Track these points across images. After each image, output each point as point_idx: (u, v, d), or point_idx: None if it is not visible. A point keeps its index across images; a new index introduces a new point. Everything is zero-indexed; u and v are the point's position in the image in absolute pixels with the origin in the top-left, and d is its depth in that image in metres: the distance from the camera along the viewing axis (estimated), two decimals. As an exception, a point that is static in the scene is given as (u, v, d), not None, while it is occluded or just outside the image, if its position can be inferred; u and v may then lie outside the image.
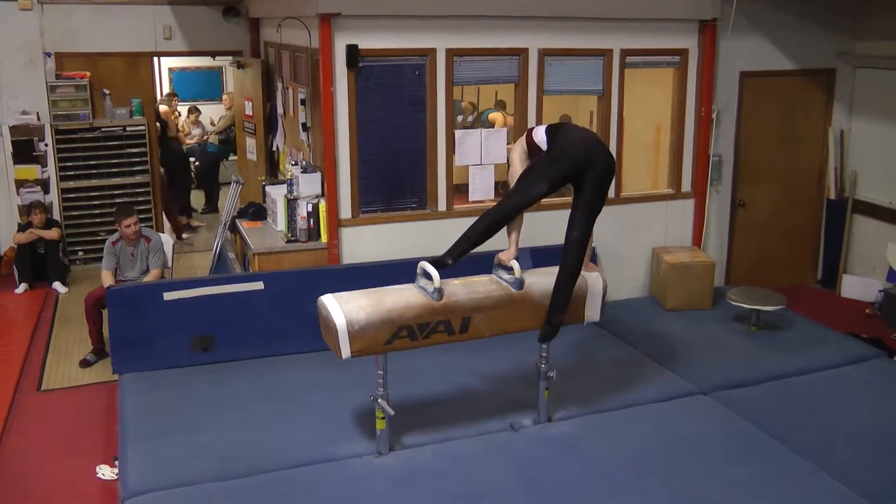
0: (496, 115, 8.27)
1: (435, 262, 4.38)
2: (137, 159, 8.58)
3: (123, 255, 6.35)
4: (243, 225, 6.94)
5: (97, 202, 8.47)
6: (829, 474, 4.43)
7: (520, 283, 4.52)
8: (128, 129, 8.50)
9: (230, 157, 11.47)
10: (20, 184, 8.16)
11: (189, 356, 5.76)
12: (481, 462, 4.56)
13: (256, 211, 7.06)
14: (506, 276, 4.58)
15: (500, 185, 6.85)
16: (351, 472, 4.45)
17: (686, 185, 7.25)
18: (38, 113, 8.15)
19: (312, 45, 6.28)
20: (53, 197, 8.36)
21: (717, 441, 4.82)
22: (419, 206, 6.48)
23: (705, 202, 7.29)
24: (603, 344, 6.23)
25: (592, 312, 4.80)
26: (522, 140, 4.84)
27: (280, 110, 7.86)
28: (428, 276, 4.36)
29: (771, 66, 7.34)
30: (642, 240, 7.17)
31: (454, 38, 6.23)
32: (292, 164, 6.89)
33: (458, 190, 6.66)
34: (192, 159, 11.18)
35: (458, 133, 6.50)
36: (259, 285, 5.89)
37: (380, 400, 4.46)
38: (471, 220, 4.63)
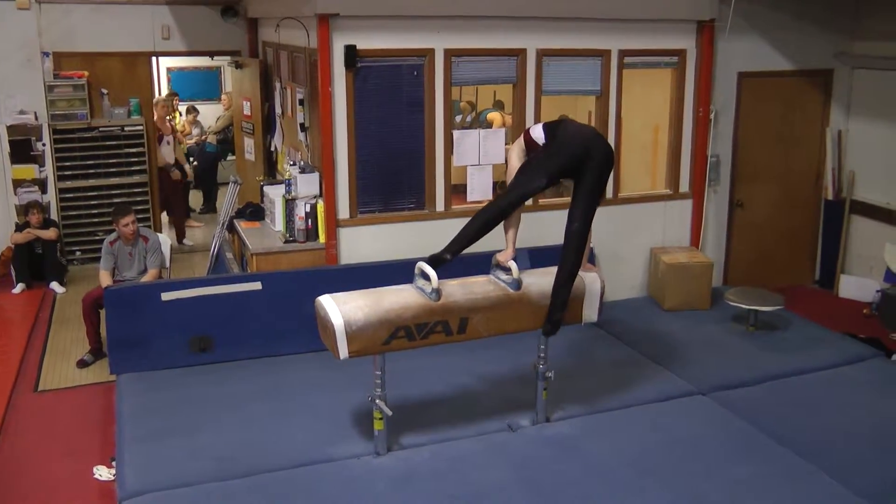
0: (494, 115, 8.27)
1: (433, 258, 4.38)
2: (135, 159, 8.57)
3: (121, 254, 6.33)
4: (241, 225, 6.93)
5: (95, 202, 8.45)
6: (828, 474, 4.44)
7: (518, 284, 4.52)
8: (126, 128, 8.49)
9: (228, 157, 11.47)
10: (17, 183, 8.14)
11: (187, 356, 5.76)
12: (479, 462, 4.55)
13: (254, 211, 7.06)
14: (504, 276, 4.58)
15: (499, 185, 6.84)
16: (349, 473, 4.45)
17: (684, 186, 7.26)
18: (35, 112, 8.13)
19: (311, 46, 6.28)
20: (51, 197, 8.35)
21: (716, 441, 4.82)
22: (417, 207, 6.48)
23: (703, 202, 7.29)
24: (601, 344, 6.23)
25: (590, 313, 4.79)
26: (520, 140, 4.84)
27: (278, 110, 7.85)
28: (426, 277, 4.36)
29: (769, 67, 7.35)
30: (640, 240, 7.18)
31: (452, 39, 6.23)
32: (290, 165, 6.88)
33: (457, 190, 6.66)
34: (190, 159, 11.16)
35: (456, 133, 6.50)
36: (257, 285, 5.89)
37: (378, 400, 4.46)
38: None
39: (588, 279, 4.74)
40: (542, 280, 4.61)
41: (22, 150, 8.13)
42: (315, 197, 6.42)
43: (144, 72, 8.86)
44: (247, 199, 7.57)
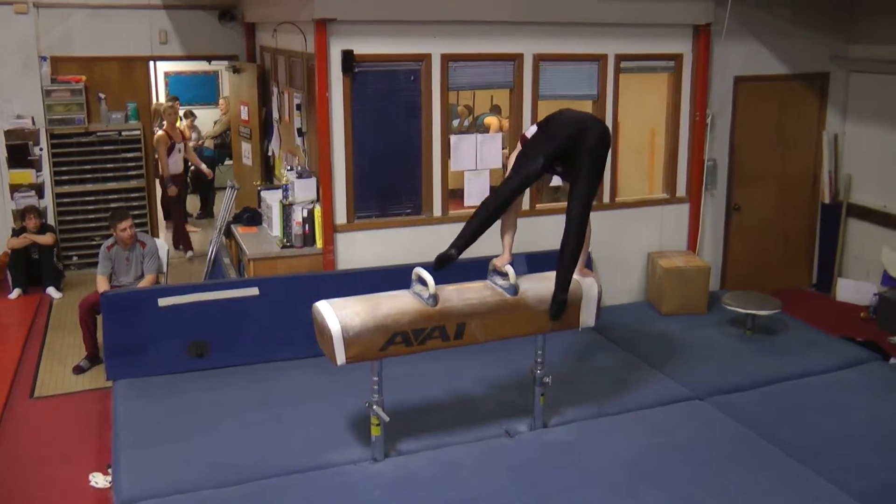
0: (491, 120, 8.28)
1: (441, 256, 4.37)
2: (133, 164, 8.56)
3: (119, 259, 6.33)
4: (238, 230, 6.92)
5: (92, 207, 8.44)
6: (826, 478, 4.44)
7: (514, 289, 4.52)
8: (123, 133, 8.48)
9: (226, 162, 11.45)
10: (14, 188, 8.13)
11: (184, 362, 5.74)
12: (477, 468, 4.55)
13: (252, 216, 7.05)
14: (500, 281, 4.58)
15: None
16: (346, 479, 4.44)
17: (681, 190, 7.26)
18: (32, 117, 8.13)
19: (308, 50, 6.27)
20: (48, 201, 8.33)
21: (713, 445, 4.82)
22: (414, 212, 6.48)
23: (700, 206, 7.30)
24: (598, 349, 6.22)
25: (588, 317, 4.79)
26: (519, 145, 4.84)
27: (276, 115, 7.85)
28: (423, 282, 4.36)
29: (765, 71, 7.36)
30: (637, 244, 7.18)
31: (449, 44, 6.24)
32: (288, 169, 6.88)
33: (454, 195, 6.66)
34: (189, 164, 11.14)
35: (453, 138, 6.50)
36: (254, 291, 5.88)
37: (375, 406, 4.46)
38: (466, 226, 4.62)
39: (585, 284, 4.74)
40: (538, 285, 4.61)
41: (19, 154, 8.12)
42: (312, 202, 6.42)
43: (142, 76, 8.85)
44: (244, 203, 7.56)
